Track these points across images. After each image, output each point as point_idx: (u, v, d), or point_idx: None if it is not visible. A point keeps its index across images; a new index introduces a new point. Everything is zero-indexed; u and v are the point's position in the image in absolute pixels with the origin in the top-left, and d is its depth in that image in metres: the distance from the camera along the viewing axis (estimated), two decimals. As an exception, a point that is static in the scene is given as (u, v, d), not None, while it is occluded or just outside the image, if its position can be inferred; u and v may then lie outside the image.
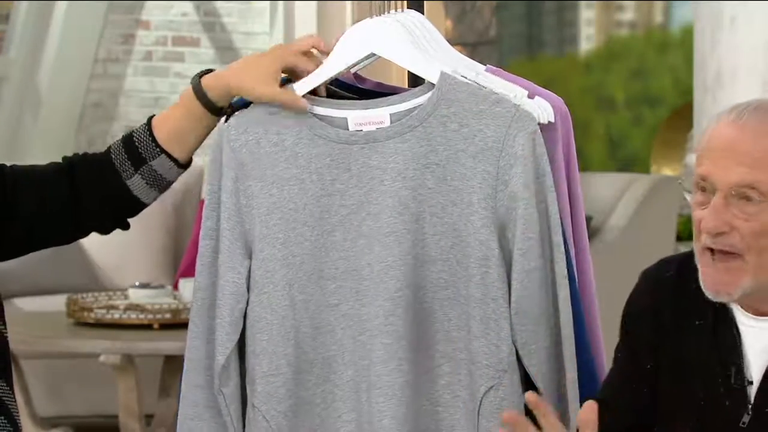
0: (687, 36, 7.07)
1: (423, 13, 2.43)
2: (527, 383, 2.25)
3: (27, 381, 5.27)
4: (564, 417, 2.24)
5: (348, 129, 2.25)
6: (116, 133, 6.68)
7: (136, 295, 5.15)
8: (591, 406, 2.03)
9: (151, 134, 2.28)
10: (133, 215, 2.32)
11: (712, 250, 2.06)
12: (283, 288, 2.23)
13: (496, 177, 2.21)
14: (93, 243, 6.07)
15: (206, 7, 6.86)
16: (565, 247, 2.33)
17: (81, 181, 2.28)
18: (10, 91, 6.77)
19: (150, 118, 2.30)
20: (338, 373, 2.24)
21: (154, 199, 2.31)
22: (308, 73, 2.27)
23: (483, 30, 6.43)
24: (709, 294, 2.07)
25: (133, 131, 2.30)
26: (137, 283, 5.24)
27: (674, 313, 2.16)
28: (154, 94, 6.82)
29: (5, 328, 2.27)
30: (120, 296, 5.30)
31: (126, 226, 2.33)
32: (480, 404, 2.22)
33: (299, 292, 2.23)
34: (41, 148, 6.69)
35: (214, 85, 2.25)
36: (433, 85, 2.24)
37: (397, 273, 2.21)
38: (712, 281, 2.07)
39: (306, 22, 6.14)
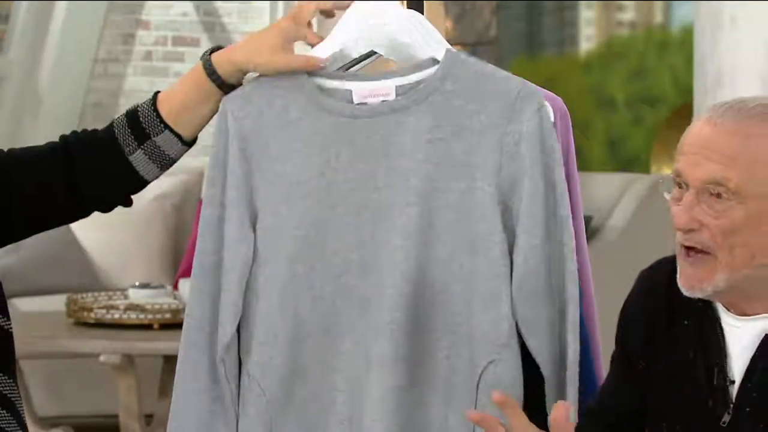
0: (687, 36, 7.07)
1: (422, 13, 2.42)
2: (529, 362, 2.23)
3: (27, 381, 5.26)
4: (563, 399, 2.23)
5: (352, 102, 2.22)
6: (116, 133, 6.69)
7: (136, 295, 5.14)
8: (563, 407, 2.03)
9: (156, 109, 2.24)
10: (134, 192, 2.28)
11: (687, 247, 2.07)
12: (285, 259, 2.21)
13: (500, 153, 2.19)
14: (93, 243, 6.06)
15: (206, 7, 6.85)
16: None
17: (78, 158, 2.25)
18: (10, 91, 6.76)
19: (156, 93, 2.27)
20: (336, 344, 2.22)
21: (156, 177, 2.27)
22: (316, 43, 2.25)
23: (483, 30, 6.42)
24: (684, 290, 2.08)
25: (138, 106, 2.26)
26: (137, 284, 5.23)
27: (666, 315, 2.17)
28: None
29: (8, 323, 2.26)
30: (120, 296, 5.29)
31: (128, 203, 2.30)
32: (479, 379, 2.20)
33: (301, 263, 2.21)
34: (42, 148, 6.69)
35: (225, 60, 2.22)
36: (438, 61, 2.22)
37: (401, 247, 2.19)
38: (686, 277, 2.08)
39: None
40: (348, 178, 2.21)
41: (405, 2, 2.49)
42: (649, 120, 8.49)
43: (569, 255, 2.22)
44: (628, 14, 9.24)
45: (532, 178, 2.19)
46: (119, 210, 2.34)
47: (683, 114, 7.57)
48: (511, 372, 2.20)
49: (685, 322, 2.14)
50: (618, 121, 8.83)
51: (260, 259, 2.23)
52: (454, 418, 2.21)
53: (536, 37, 8.89)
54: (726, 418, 2.08)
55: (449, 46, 2.40)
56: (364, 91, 2.22)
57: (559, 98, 2.38)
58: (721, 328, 2.11)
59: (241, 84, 2.25)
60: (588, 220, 5.53)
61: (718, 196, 2.04)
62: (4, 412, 2.22)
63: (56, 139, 2.29)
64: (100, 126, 2.31)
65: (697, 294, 2.08)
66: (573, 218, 2.40)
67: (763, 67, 4.31)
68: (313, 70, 2.22)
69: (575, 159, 2.42)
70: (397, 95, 2.22)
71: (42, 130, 6.71)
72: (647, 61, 8.91)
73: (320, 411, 2.23)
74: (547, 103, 2.23)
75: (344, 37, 2.28)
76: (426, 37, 2.30)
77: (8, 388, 2.24)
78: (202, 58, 2.25)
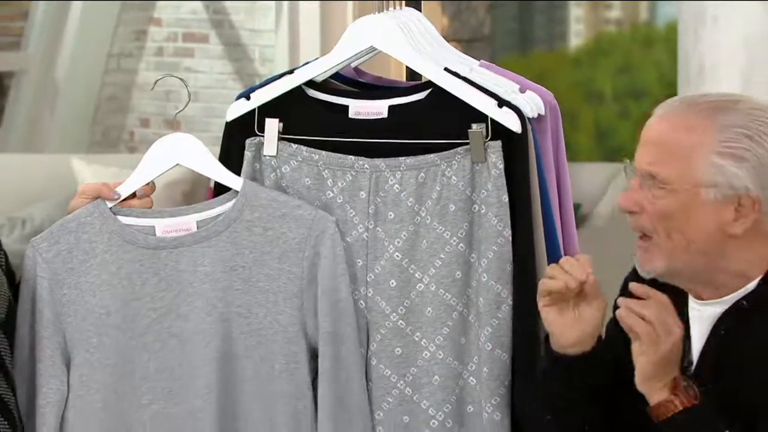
0: (671, 32, 7.07)
1: (420, 11, 2.43)
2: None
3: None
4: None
5: (155, 236, 2.27)
6: (130, 125, 6.68)
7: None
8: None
9: None
10: None
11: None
12: (97, 391, 2.25)
13: (301, 277, 2.24)
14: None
15: (215, 5, 6.84)
16: (552, 235, 2.33)
17: None
18: (29, 85, 6.76)
19: None
20: None
21: None
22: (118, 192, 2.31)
23: (477, 27, 6.43)
24: (639, 270, 2.11)
25: None
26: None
27: None
28: (165, 88, 6.78)
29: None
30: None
31: None
32: None
33: (112, 392, 2.24)
34: (58, 139, 6.69)
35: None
36: (237, 192, 2.27)
37: (205, 371, 2.22)
38: (637, 259, 2.11)
39: (310, 19, 6.13)
40: (154, 307, 2.25)
41: (404, 1, 2.51)
42: (635, 113, 8.48)
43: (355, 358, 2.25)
44: (615, 12, 9.25)
45: (330, 296, 2.24)
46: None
47: (667, 107, 7.54)
48: None
49: None
50: (605, 114, 8.82)
51: (74, 392, 2.24)
52: None
53: (528, 34, 8.89)
54: None
55: (445, 41, 2.42)
56: (167, 226, 2.27)
57: (550, 92, 2.40)
58: (688, 314, 2.12)
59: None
60: (577, 207, 5.53)
61: (658, 184, 2.06)
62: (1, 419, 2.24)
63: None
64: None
65: (645, 275, 2.10)
66: (562, 206, 2.41)
67: (742, 62, 4.31)
68: (113, 206, 2.27)
69: (564, 150, 2.43)
70: (198, 228, 2.26)
71: (59, 122, 6.72)
72: (633, 57, 8.90)
73: None
74: (335, 229, 2.26)
75: (342, 54, 2.32)
76: (420, 44, 2.33)
77: (5, 391, 2.26)
78: None
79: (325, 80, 2.39)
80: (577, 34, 9.28)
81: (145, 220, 2.27)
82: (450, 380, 2.30)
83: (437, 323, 2.30)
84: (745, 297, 2.05)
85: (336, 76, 2.41)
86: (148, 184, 2.32)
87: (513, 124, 2.27)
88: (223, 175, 2.30)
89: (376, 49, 2.36)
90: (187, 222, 2.26)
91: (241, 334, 2.24)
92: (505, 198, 2.29)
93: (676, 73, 4.57)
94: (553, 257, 2.33)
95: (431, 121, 2.33)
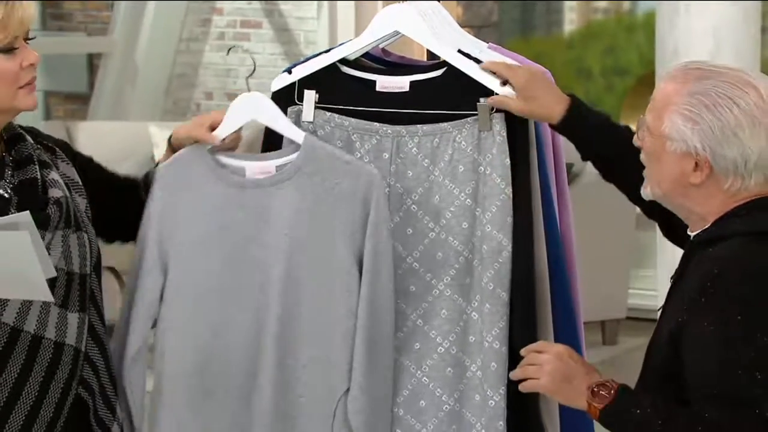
0: (650, 19, 7.01)
1: (439, 1, 2.39)
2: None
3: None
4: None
5: (245, 176, 2.25)
6: (196, 98, 6.66)
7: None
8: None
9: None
10: None
11: None
12: (187, 301, 2.23)
13: (353, 221, 2.21)
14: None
15: (267, -4, 6.80)
16: (547, 190, 2.30)
17: (128, 202, 2.31)
18: (114, 64, 6.75)
19: (157, 164, 2.35)
20: (229, 373, 2.23)
21: None
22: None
23: (487, 15, 6.36)
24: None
25: (148, 171, 2.34)
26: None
27: None
28: (226, 67, 6.79)
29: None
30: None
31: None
32: (336, 406, 2.22)
33: (201, 305, 2.23)
34: (138, 109, 6.68)
35: (174, 135, 2.33)
36: (299, 145, 2.25)
37: (274, 291, 2.21)
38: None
39: (346, 8, 6.09)
40: (238, 236, 2.23)
41: (424, -7, 2.45)
42: (619, 87, 8.44)
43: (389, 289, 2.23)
44: (603, 3, 9.23)
45: (375, 240, 2.22)
46: None
47: (646, 82, 7.49)
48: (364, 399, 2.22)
49: None
50: (594, 89, 8.79)
51: (168, 299, 2.24)
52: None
53: (529, 21, 8.84)
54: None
55: (459, 27, 2.37)
56: (254, 168, 2.26)
57: (547, 70, 2.35)
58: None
59: None
60: (569, 167, 5.47)
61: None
62: (92, 308, 2.23)
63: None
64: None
65: (644, 197, 2.07)
66: (557, 165, 2.37)
67: (710, 45, 4.30)
68: (212, 147, 2.27)
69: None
70: (275, 172, 2.25)
71: (138, 96, 6.70)
72: (618, 41, 8.85)
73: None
74: (380, 179, 2.23)
75: (369, 38, 2.30)
76: (437, 29, 2.29)
77: (95, 285, 2.25)
78: (168, 137, 2.35)
79: (356, 59, 2.36)
80: (571, 21, 9.23)
81: (238, 161, 2.26)
82: (455, 314, 2.28)
83: (446, 266, 2.28)
84: (696, 235, 2.02)
85: (366, 55, 2.37)
86: (236, 132, 2.31)
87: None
88: (288, 129, 2.27)
89: (399, 33, 2.32)
90: (269, 166, 2.25)
91: (304, 263, 2.22)
92: (507, 161, 2.26)
93: (654, 54, 4.52)
94: (548, 209, 2.29)
95: (445, 95, 2.30)
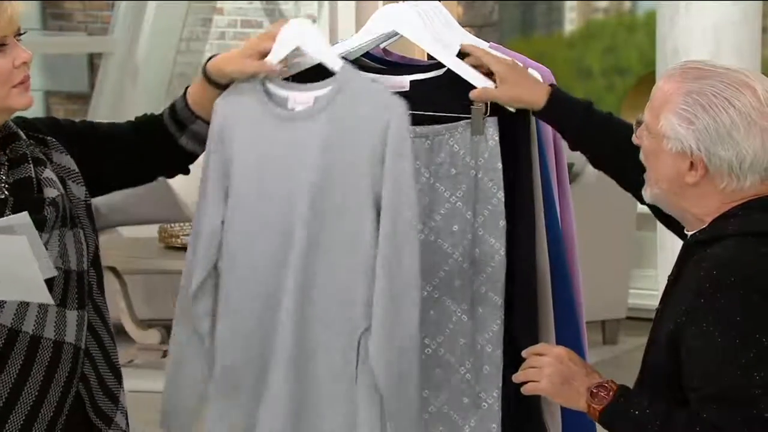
0: (650, 19, 7.00)
1: (440, 0, 2.39)
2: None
3: (129, 291, 5.27)
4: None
5: (287, 107, 2.23)
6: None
7: (213, 225, 5.11)
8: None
9: (187, 104, 2.28)
10: (190, 163, 2.34)
11: None
12: (246, 228, 2.21)
13: (381, 152, 2.17)
14: (179, 182, 6.04)
15: (268, -3, 6.81)
16: (548, 188, 2.30)
17: (149, 140, 2.29)
18: (115, 64, 6.75)
19: (186, 89, 2.30)
20: (276, 306, 2.19)
21: (203, 152, 2.31)
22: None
23: (487, 15, 6.36)
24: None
25: (175, 101, 2.30)
26: (214, 215, 5.20)
27: None
28: (226, 66, 6.80)
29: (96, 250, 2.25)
30: (200, 225, 5.26)
31: (187, 172, 2.36)
32: (358, 345, 2.17)
33: (251, 225, 2.21)
34: (139, 109, 6.67)
35: (213, 67, 2.26)
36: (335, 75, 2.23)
37: (300, 223, 2.18)
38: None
39: (346, 8, 6.09)
40: (277, 166, 2.21)
41: (426, -8, 2.45)
42: (619, 87, 8.43)
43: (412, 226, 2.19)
44: (604, 3, 9.20)
45: (393, 170, 2.17)
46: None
47: (646, 82, 7.49)
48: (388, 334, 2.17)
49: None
50: (594, 88, 8.77)
51: (229, 225, 2.22)
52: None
53: (529, 21, 8.83)
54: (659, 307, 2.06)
55: (460, 26, 2.37)
56: (296, 98, 2.24)
57: (548, 69, 2.35)
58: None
59: (229, 84, 2.27)
60: (570, 166, 5.47)
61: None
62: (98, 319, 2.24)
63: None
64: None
65: (646, 199, 2.07)
66: (558, 164, 2.37)
67: (710, 45, 4.30)
68: (266, 74, 2.24)
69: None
70: (313, 103, 2.22)
71: (139, 95, 6.70)
72: (618, 40, 8.84)
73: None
74: (405, 110, 2.19)
75: (366, 36, 2.29)
76: (436, 29, 2.28)
77: (101, 303, 2.24)
78: (203, 66, 2.29)
79: (356, 58, 2.35)
80: (571, 21, 9.21)
81: (284, 91, 2.25)
82: (443, 316, 2.27)
83: (434, 269, 2.27)
84: (693, 235, 2.02)
85: (366, 55, 2.37)
86: (282, 60, 2.27)
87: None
88: (329, 58, 2.24)
89: (398, 33, 2.31)
90: (309, 97, 2.23)
91: (330, 194, 2.19)
92: (499, 165, 2.26)
93: (654, 54, 4.52)
94: (550, 209, 2.29)
95: (444, 96, 2.29)
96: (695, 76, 1.98)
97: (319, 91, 2.22)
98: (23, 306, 2.13)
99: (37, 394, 2.13)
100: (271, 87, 2.25)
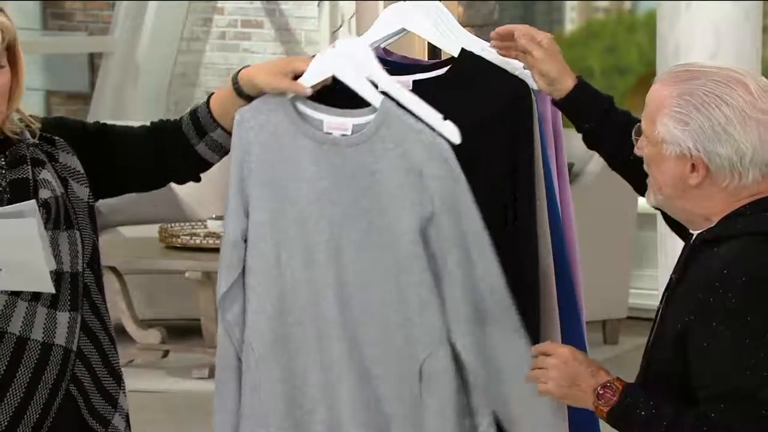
0: (650, 19, 7.00)
1: (440, 0, 2.39)
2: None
3: (130, 291, 5.27)
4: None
5: (322, 130, 2.22)
6: (198, 97, 6.65)
7: (214, 225, 5.14)
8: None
9: (210, 111, 2.26)
10: (203, 171, 2.32)
11: None
12: (271, 247, 2.21)
13: (421, 191, 2.18)
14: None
15: (268, -4, 6.81)
16: (550, 186, 2.30)
17: (164, 145, 2.27)
18: (115, 64, 6.75)
19: (209, 96, 2.28)
20: (306, 320, 2.21)
21: (219, 160, 2.30)
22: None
23: (488, 14, 6.36)
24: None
25: (197, 107, 2.29)
26: (214, 215, 5.22)
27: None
28: (227, 66, 6.79)
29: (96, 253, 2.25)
30: (200, 226, 5.29)
31: (198, 180, 2.33)
32: (421, 368, 2.18)
33: (284, 250, 2.21)
34: (139, 109, 6.68)
35: (244, 77, 2.24)
36: (377, 108, 2.22)
37: (339, 252, 2.19)
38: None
39: (347, 6, 6.09)
40: (310, 191, 2.21)
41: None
42: (620, 87, 8.44)
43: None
44: (604, 2, 9.23)
45: (441, 214, 2.18)
46: None
47: (647, 82, 7.49)
48: (446, 364, 2.19)
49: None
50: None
51: (252, 242, 2.22)
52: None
53: (530, 20, 8.83)
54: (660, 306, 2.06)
55: (460, 26, 2.37)
56: (331, 123, 2.22)
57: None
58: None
59: (256, 97, 2.25)
60: (570, 166, 5.49)
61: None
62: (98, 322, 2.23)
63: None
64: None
65: (649, 204, 2.07)
66: (559, 164, 2.37)
67: (711, 44, 4.29)
68: (296, 95, 2.22)
69: (561, 117, 2.39)
70: (352, 132, 2.21)
71: (140, 95, 6.70)
72: (618, 40, 8.84)
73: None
74: (450, 150, 2.19)
75: (375, 35, 2.28)
76: (441, 27, 2.28)
77: (102, 304, 2.25)
78: (232, 75, 2.26)
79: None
80: (572, 20, 9.22)
81: (318, 114, 2.23)
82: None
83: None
84: (700, 234, 2.02)
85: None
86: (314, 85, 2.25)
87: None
88: (368, 91, 2.23)
89: (405, 30, 2.32)
90: (346, 123, 2.21)
91: (370, 227, 2.19)
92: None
93: (655, 53, 4.52)
94: (552, 209, 2.28)
95: (445, 95, 2.29)
96: (686, 78, 1.98)
97: (357, 119, 2.21)
98: (10, 307, 2.13)
99: (23, 395, 2.13)
100: (302, 107, 2.23)
